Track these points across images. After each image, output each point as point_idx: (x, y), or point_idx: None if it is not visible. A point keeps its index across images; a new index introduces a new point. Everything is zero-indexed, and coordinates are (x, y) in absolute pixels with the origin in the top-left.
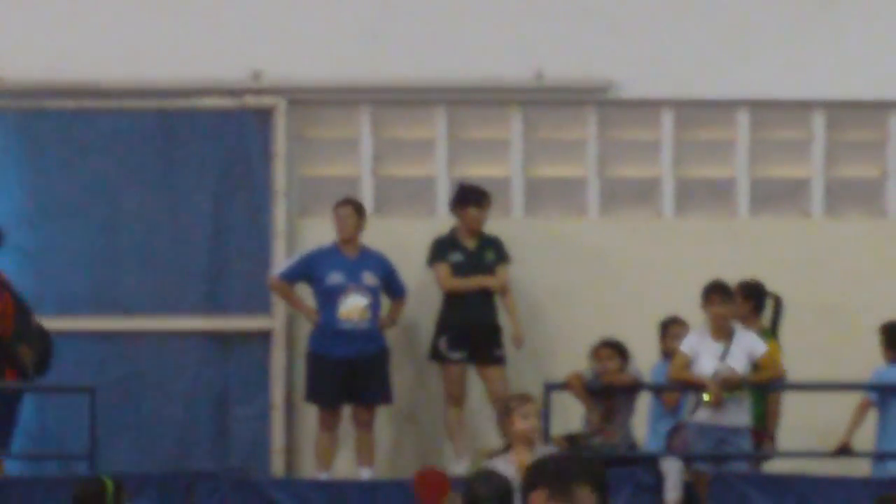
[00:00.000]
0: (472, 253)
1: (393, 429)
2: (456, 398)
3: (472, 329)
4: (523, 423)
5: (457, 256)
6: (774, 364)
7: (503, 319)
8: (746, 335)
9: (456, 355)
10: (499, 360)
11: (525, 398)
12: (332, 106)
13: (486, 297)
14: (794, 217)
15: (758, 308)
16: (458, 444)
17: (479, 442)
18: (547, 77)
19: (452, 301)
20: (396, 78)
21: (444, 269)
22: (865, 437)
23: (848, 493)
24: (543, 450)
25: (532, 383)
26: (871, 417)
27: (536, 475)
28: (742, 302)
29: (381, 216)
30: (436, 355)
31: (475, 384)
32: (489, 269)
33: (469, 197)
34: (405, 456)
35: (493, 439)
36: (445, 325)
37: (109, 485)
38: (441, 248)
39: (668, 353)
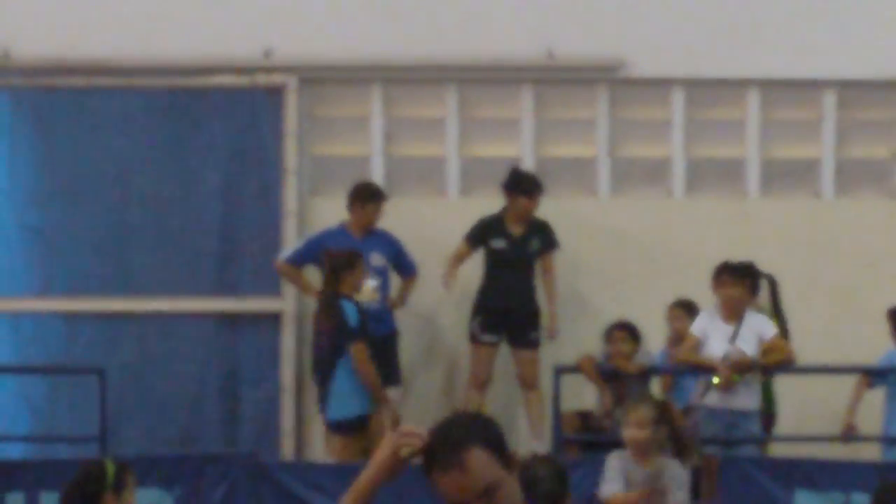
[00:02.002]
0: (516, 240)
1: (402, 411)
2: (481, 381)
3: (509, 312)
4: (627, 431)
5: (500, 242)
6: (784, 347)
7: (542, 301)
8: (756, 317)
9: (487, 338)
10: (533, 344)
11: (638, 404)
12: (344, 84)
13: (525, 280)
14: (805, 197)
15: (752, 289)
16: None
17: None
18: (558, 56)
19: (490, 283)
20: (407, 56)
21: (463, 249)
22: (873, 420)
23: (857, 477)
24: (665, 463)
25: (543, 364)
26: (877, 398)
27: (431, 454)
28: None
29: (392, 195)
30: (470, 336)
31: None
32: (531, 259)
33: (520, 185)
34: None
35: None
36: (481, 306)
37: (110, 468)
38: (484, 231)
39: (674, 336)
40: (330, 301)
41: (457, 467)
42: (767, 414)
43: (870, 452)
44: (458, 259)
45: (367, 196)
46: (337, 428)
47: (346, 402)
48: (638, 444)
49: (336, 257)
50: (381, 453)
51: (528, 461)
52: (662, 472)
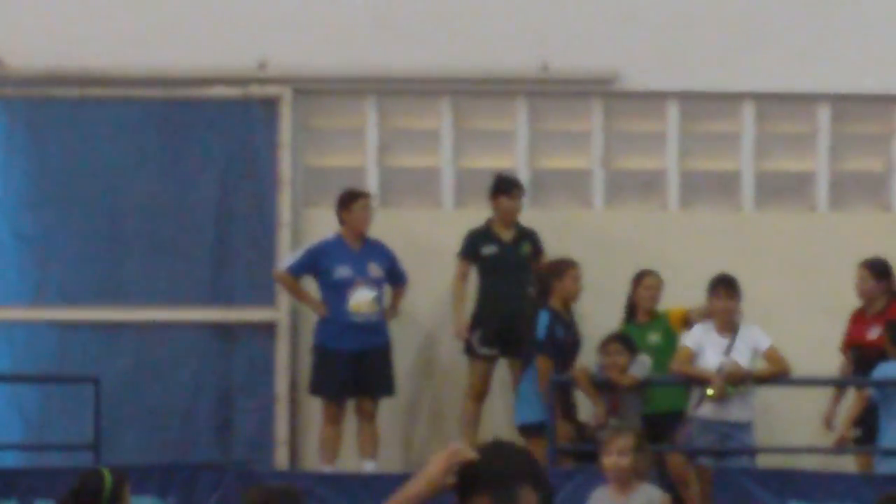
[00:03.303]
0: (507, 245)
1: (396, 421)
2: (478, 393)
3: (507, 323)
4: (608, 460)
5: (491, 249)
6: (779, 359)
7: None
8: (751, 329)
9: (485, 351)
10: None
11: (618, 432)
12: (338, 96)
13: (519, 288)
14: (799, 210)
15: None
16: (469, 439)
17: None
18: (553, 68)
19: (486, 293)
20: (402, 68)
21: (463, 266)
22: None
23: (850, 488)
24: (643, 488)
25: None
26: None
27: (475, 479)
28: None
29: (386, 207)
30: (467, 349)
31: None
32: (524, 263)
33: (500, 187)
34: (409, 449)
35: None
36: (479, 319)
37: (108, 478)
38: (474, 242)
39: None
40: (532, 311)
41: (506, 502)
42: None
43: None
44: (463, 279)
45: (350, 198)
46: (522, 431)
47: (531, 407)
48: (620, 471)
49: (543, 269)
50: (434, 469)
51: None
52: (639, 501)
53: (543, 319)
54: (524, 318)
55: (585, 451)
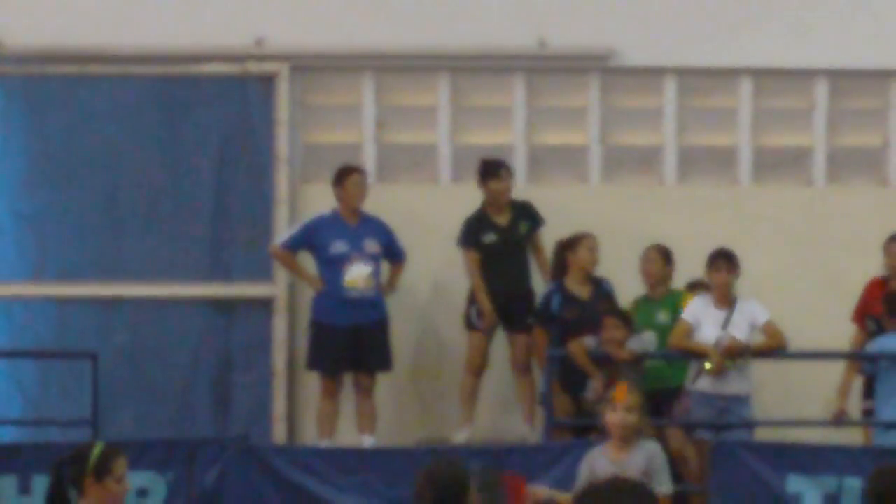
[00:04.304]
0: (505, 229)
1: (394, 396)
2: (477, 367)
3: (505, 297)
4: (615, 415)
5: (490, 237)
6: (777, 332)
7: (536, 282)
8: (749, 303)
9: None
10: (528, 328)
11: (626, 389)
12: (335, 72)
13: (520, 261)
14: (797, 185)
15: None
16: (466, 413)
17: (487, 412)
18: (550, 44)
19: (487, 273)
20: (399, 45)
21: (473, 258)
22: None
23: (849, 461)
24: (643, 444)
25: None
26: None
27: None
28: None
29: (383, 183)
30: (467, 323)
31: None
32: (523, 243)
33: (486, 170)
34: (407, 424)
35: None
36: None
37: (97, 449)
38: (473, 230)
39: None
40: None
41: None
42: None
43: (854, 437)
44: (478, 268)
45: (342, 174)
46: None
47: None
48: (626, 428)
49: (558, 244)
50: None
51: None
52: (639, 458)
53: (545, 293)
54: (524, 292)
55: (583, 425)
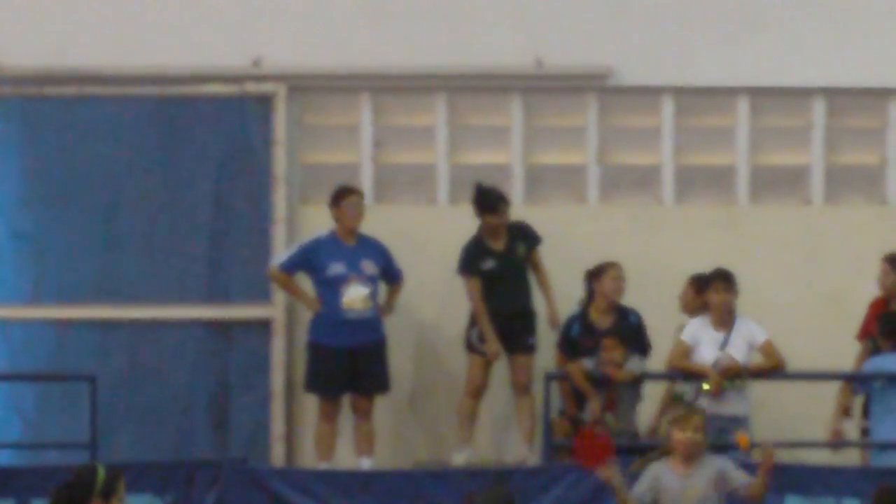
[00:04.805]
0: (502, 254)
1: (393, 418)
2: (477, 389)
3: (506, 318)
4: (684, 435)
5: (489, 263)
6: (775, 353)
7: (537, 301)
8: (747, 323)
9: (486, 348)
10: (530, 349)
11: (690, 412)
12: (333, 93)
13: (520, 283)
14: (794, 204)
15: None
16: (465, 434)
17: (486, 434)
18: (547, 64)
19: (488, 298)
20: (397, 65)
21: (474, 285)
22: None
23: (846, 482)
24: (706, 459)
25: (534, 370)
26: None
27: None
28: (696, 295)
29: (381, 203)
30: (468, 346)
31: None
32: (522, 265)
33: (485, 205)
34: (405, 445)
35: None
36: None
37: (101, 472)
38: (471, 258)
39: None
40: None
41: None
42: None
43: (852, 457)
44: (480, 296)
45: (340, 195)
46: None
47: None
48: (695, 446)
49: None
50: None
51: (473, 494)
52: (706, 470)
53: (567, 319)
54: (525, 312)
55: None
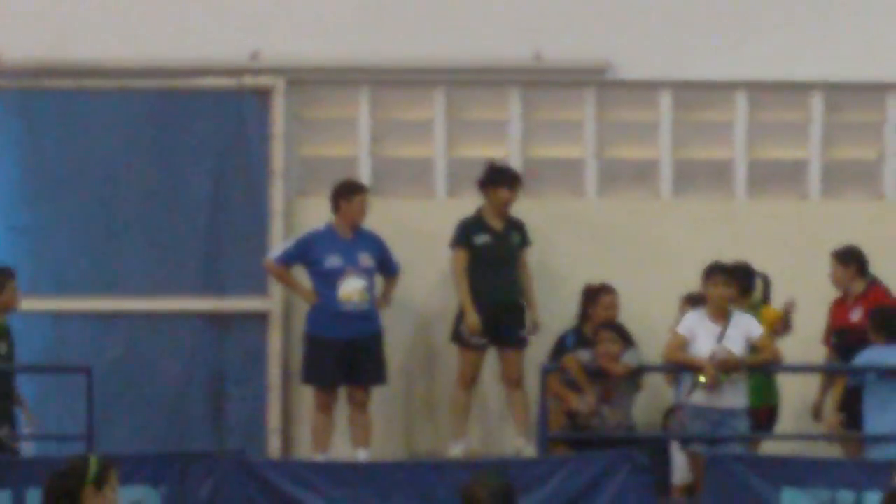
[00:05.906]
0: (499, 234)
1: (389, 410)
2: (469, 382)
3: (496, 311)
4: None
5: (484, 238)
6: (771, 346)
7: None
8: (744, 317)
9: (476, 340)
10: (520, 343)
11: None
12: (331, 86)
13: (510, 277)
14: (792, 198)
15: (745, 289)
16: (459, 427)
17: (481, 426)
18: (545, 58)
19: (477, 282)
20: (395, 58)
21: (461, 257)
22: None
23: (843, 475)
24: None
25: (528, 363)
26: None
27: None
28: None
29: (379, 197)
30: (456, 338)
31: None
32: (515, 253)
33: (502, 177)
34: (402, 437)
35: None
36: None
37: (93, 464)
38: (467, 231)
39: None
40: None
41: None
42: (770, 407)
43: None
44: (465, 270)
45: (351, 189)
46: None
47: None
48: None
49: (585, 290)
50: None
51: (470, 480)
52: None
53: (561, 334)
54: (514, 305)
55: (577, 439)
